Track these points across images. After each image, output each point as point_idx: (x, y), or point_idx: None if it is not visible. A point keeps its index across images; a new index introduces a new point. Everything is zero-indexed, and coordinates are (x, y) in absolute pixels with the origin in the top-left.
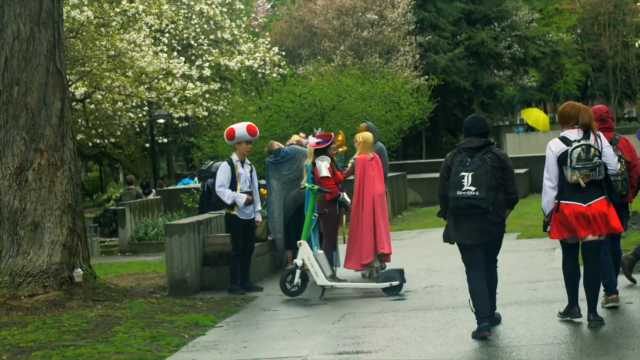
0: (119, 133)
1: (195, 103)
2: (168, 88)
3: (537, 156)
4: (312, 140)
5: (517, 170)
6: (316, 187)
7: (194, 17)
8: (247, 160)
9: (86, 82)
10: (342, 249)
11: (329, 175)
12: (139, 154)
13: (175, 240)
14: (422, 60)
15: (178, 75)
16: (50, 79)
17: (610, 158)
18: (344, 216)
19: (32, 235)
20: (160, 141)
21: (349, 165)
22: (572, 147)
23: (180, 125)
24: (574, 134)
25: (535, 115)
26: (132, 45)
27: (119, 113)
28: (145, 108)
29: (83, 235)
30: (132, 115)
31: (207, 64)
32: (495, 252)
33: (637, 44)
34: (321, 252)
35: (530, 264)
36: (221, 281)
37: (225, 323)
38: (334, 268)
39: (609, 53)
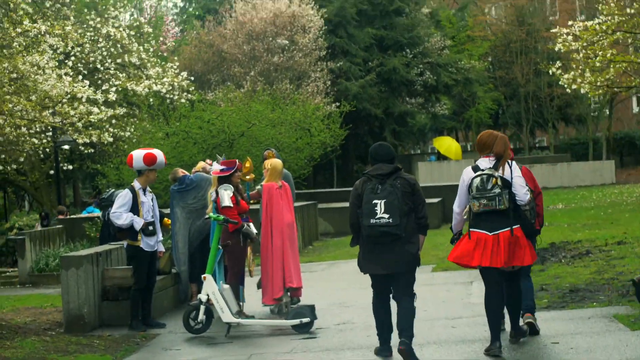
0: (22, 159)
1: (100, 129)
2: (72, 112)
3: (450, 185)
4: (216, 167)
5: (429, 200)
6: (221, 217)
7: (100, 40)
8: (148, 189)
9: None
10: (248, 282)
11: (231, 205)
12: (43, 181)
13: (72, 273)
14: (334, 87)
15: (83, 99)
16: None
17: (518, 188)
18: (249, 248)
19: None
20: (65, 168)
21: (255, 190)
22: (473, 176)
23: (85, 151)
24: (485, 162)
25: (447, 144)
26: (35, 67)
27: (22, 138)
28: (49, 133)
29: None
30: (35, 141)
31: (113, 89)
32: (409, 282)
33: (550, 71)
34: (227, 286)
35: (447, 299)
36: (121, 317)
37: None
38: (241, 303)
39: (520, 81)
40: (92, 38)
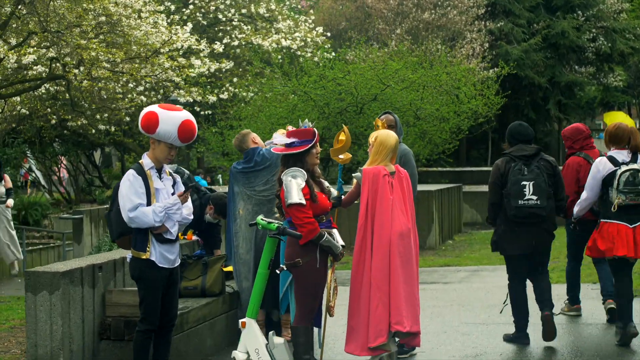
0: (128, 119)
1: (204, 86)
2: (167, 65)
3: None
4: (280, 139)
5: None
6: (275, 224)
7: None
8: (167, 168)
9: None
10: (331, 324)
11: (303, 201)
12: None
13: (43, 300)
14: (492, 50)
15: (180, 50)
16: None
17: None
18: (332, 270)
19: None
20: None
21: (353, 182)
22: (621, 170)
23: (202, 112)
24: (622, 155)
25: (620, 120)
26: (130, 10)
27: (129, 95)
28: (162, 91)
29: None
30: (144, 98)
31: (235, 42)
32: (547, 260)
33: None
34: (280, 340)
35: None
36: None
37: None
38: (312, 354)
39: None
40: None
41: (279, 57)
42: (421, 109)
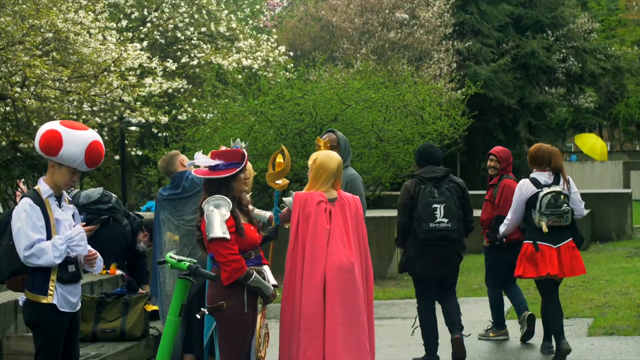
0: None
1: (167, 106)
2: (115, 84)
3: (599, 193)
4: (203, 160)
5: None
6: (187, 262)
7: (182, 3)
8: (66, 195)
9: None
10: None
11: (227, 236)
12: (113, 167)
13: None
14: (460, 71)
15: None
16: None
17: (577, 203)
18: (262, 314)
19: None
20: (133, 153)
21: (284, 209)
22: (543, 193)
23: (160, 135)
24: (544, 176)
25: (591, 142)
26: (79, 27)
27: (83, 117)
28: (116, 111)
29: None
30: (98, 120)
31: (195, 62)
32: (455, 281)
33: None
34: None
35: None
36: None
37: None
38: None
39: None
40: (173, 1)
41: (239, 76)
42: (384, 130)
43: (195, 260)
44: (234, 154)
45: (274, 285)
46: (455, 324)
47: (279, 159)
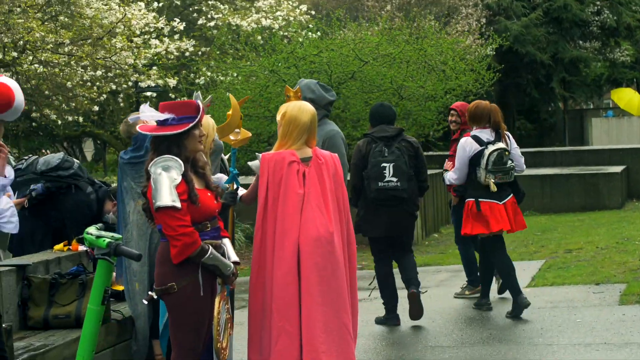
0: (96, 108)
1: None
2: (119, 45)
3: (635, 148)
4: (149, 114)
5: (611, 169)
6: (106, 239)
7: None
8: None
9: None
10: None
11: (178, 204)
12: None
13: None
14: (490, 27)
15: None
16: None
17: (518, 159)
18: (220, 297)
19: None
20: None
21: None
22: (489, 150)
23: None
24: (486, 133)
25: (628, 97)
26: None
27: (97, 83)
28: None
29: None
30: (113, 86)
31: (212, 23)
32: (410, 240)
33: None
34: None
35: None
36: None
37: None
38: None
39: None
40: None
41: (259, 37)
42: (404, 87)
43: (119, 236)
44: (188, 107)
45: (235, 263)
46: (410, 280)
47: (231, 110)
